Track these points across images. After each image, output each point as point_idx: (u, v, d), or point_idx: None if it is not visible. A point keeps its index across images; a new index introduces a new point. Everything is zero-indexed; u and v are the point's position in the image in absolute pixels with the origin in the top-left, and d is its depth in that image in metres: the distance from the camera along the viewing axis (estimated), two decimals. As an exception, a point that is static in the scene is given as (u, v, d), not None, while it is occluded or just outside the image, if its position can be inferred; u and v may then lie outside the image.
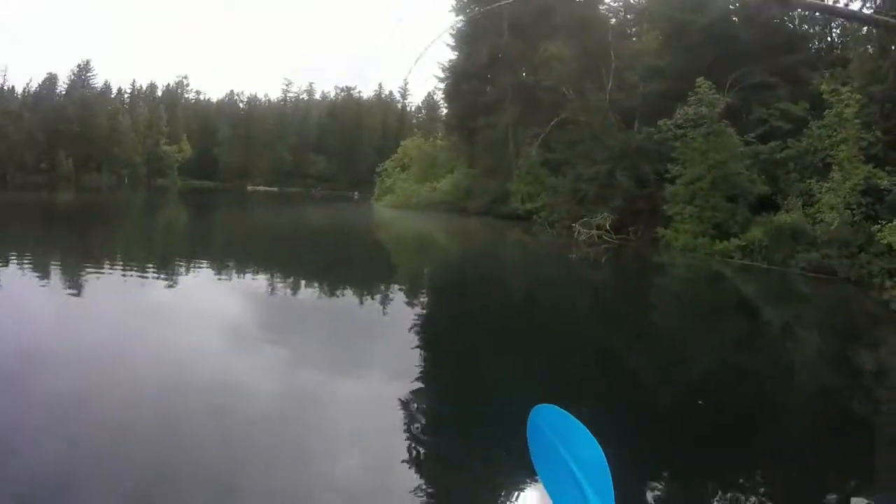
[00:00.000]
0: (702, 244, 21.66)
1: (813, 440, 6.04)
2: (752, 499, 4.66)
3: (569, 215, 28.46)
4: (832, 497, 4.99)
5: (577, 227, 26.73)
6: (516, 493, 4.12)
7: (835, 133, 19.12)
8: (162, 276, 13.18)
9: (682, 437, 5.79)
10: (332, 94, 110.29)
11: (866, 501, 4.95)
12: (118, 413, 5.20)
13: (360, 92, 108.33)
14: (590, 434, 1.56)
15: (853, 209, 17.22)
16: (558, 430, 1.62)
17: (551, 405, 1.65)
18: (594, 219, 26.41)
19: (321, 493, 4.27)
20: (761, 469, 5.16)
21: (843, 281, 16.51)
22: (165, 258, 16.21)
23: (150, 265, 14.48)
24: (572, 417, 1.62)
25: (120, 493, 3.93)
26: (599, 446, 1.50)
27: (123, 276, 12.80)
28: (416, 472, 4.59)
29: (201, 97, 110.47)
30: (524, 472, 4.09)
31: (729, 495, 4.76)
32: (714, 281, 18.95)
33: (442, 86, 46.58)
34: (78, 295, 10.37)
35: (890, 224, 14.91)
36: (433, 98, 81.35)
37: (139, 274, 13.12)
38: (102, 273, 12.87)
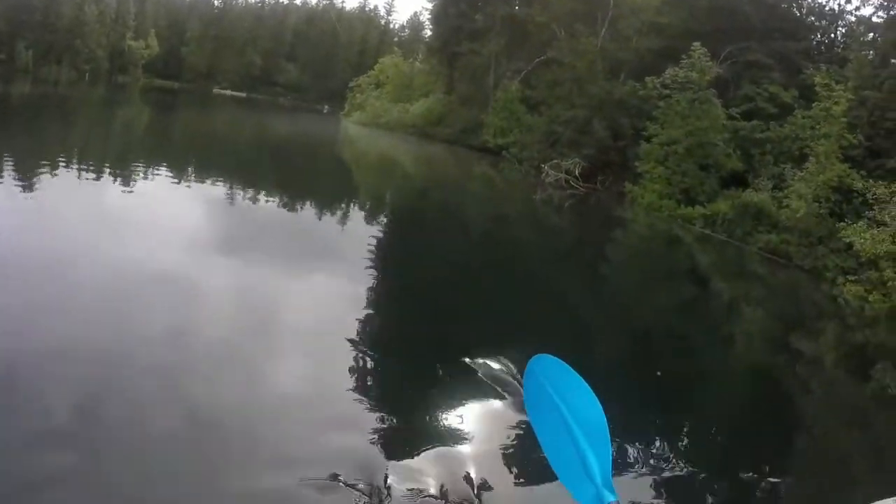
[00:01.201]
0: (667, 206, 21.40)
1: (739, 410, 6.13)
2: (684, 459, 4.55)
3: (539, 156, 27.77)
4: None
5: (546, 168, 26.07)
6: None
7: (818, 126, 18.82)
8: (118, 179, 12.15)
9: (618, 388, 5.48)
10: (313, 2, 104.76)
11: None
12: (64, 320, 4.93)
13: (342, 2, 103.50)
14: (590, 389, 1.45)
15: (821, 202, 17.07)
16: (556, 383, 1.54)
17: (550, 356, 1.50)
18: (564, 163, 25.76)
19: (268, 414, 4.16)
20: (693, 429, 5.17)
21: (796, 268, 16.52)
22: (122, 160, 14.97)
23: (106, 167, 13.32)
24: (572, 370, 1.52)
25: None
26: (599, 402, 1.38)
27: (78, 177, 11.67)
28: (361, 399, 4.48)
29: None
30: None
31: (655, 450, 4.66)
32: (672, 244, 18.87)
33: (430, 6, 44.48)
34: (28, 197, 9.31)
35: (855, 224, 14.77)
36: (419, 18, 78.25)
37: (94, 177, 12.03)
38: (55, 174, 11.54)
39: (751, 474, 4.65)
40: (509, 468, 3.93)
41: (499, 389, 4.80)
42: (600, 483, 1.35)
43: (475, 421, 4.37)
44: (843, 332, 11.77)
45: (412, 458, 3.87)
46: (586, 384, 1.49)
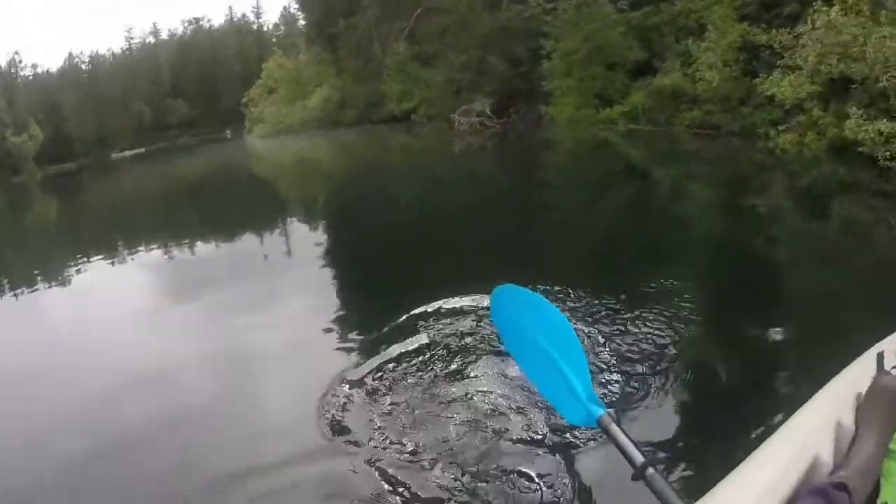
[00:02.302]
0: (585, 115, 21.04)
1: (712, 286, 5.80)
2: (667, 350, 4.06)
3: (447, 108, 27.10)
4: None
5: (455, 117, 25.42)
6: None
7: None
8: (55, 274, 11.29)
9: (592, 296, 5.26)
10: (180, 30, 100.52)
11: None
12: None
13: (209, 21, 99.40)
14: (554, 307, 1.48)
15: (731, 66, 16.86)
16: (521, 306, 1.60)
17: (511, 285, 1.58)
18: (472, 106, 25.16)
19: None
20: (670, 318, 4.58)
21: (727, 135, 16.37)
22: (48, 258, 13.69)
23: (36, 271, 12.03)
24: (533, 293, 1.65)
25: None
26: (563, 315, 1.43)
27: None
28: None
29: (39, 70, 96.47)
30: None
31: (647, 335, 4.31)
32: (601, 149, 18.49)
33: (296, -4, 42.93)
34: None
35: (771, 77, 14.56)
36: (289, 11, 75.82)
37: (24, 285, 10.91)
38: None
39: (743, 345, 4.28)
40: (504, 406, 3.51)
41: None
42: (585, 399, 1.39)
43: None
44: (790, 180, 11.56)
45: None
46: (549, 304, 1.50)
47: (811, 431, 1.22)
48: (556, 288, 5.34)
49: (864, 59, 11.08)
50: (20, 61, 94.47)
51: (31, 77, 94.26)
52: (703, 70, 17.48)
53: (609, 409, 1.34)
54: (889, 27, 10.37)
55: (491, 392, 3.57)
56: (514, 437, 3.17)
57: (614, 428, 1.39)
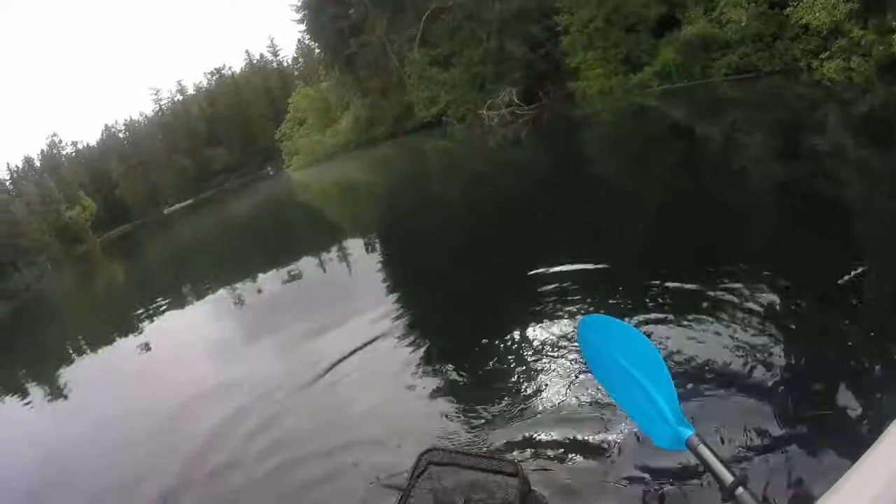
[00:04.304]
0: (617, 83, 20.61)
1: (789, 251, 5.21)
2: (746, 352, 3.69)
3: (474, 105, 26.87)
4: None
5: (484, 113, 25.19)
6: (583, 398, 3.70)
7: None
8: (131, 329, 11.72)
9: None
10: (205, 83, 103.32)
11: None
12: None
13: (230, 68, 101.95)
14: (640, 334, 1.51)
15: (756, 1, 16.18)
16: (609, 337, 1.61)
17: (597, 315, 1.62)
18: (498, 100, 24.87)
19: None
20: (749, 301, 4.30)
21: (768, 75, 15.77)
22: (122, 318, 14.11)
23: (113, 331, 12.67)
24: (619, 322, 1.61)
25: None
26: (652, 345, 1.44)
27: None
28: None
29: (80, 146, 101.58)
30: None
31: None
32: (641, 115, 17.93)
33: (303, 26, 43.32)
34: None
35: (801, 3, 13.89)
36: (304, 43, 76.71)
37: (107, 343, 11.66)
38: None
39: (838, 339, 3.67)
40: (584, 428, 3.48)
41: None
42: (673, 422, 1.41)
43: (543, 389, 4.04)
44: (845, 111, 10.95)
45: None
46: (635, 330, 1.52)
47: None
48: (633, 281, 5.14)
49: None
50: (60, 141, 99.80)
51: (73, 153, 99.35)
52: (728, 11, 16.87)
53: (697, 432, 1.37)
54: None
55: (583, 417, 3.53)
56: (606, 459, 3.14)
57: (703, 448, 1.40)
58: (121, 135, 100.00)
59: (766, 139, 10.70)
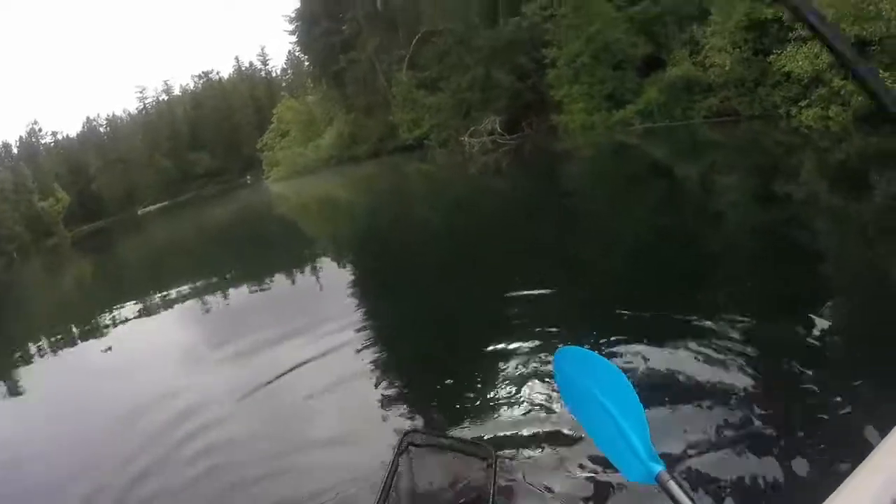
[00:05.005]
0: (599, 119, 20.73)
1: (762, 290, 5.38)
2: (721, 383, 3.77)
3: (457, 130, 26.93)
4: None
5: (465, 140, 25.23)
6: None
7: None
8: (95, 330, 11.64)
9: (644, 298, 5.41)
10: (192, 85, 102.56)
11: None
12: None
13: (218, 73, 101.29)
14: (615, 368, 1.51)
15: (741, 47, 16.42)
16: (583, 370, 1.60)
17: (573, 347, 1.58)
18: (481, 127, 24.93)
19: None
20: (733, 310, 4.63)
21: (748, 119, 15.95)
22: (89, 315, 13.81)
23: (75, 328, 12.55)
24: (595, 355, 1.59)
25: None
26: (627, 379, 1.41)
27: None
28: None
29: (59, 137, 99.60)
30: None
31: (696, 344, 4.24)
32: (621, 152, 18.07)
33: (294, 38, 43.37)
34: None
35: (784, 52, 14.13)
36: (294, 54, 76.70)
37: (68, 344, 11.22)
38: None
39: (810, 373, 3.72)
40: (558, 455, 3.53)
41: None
42: (645, 457, 1.42)
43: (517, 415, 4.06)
44: (821, 158, 11.06)
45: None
46: (611, 364, 1.54)
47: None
48: (606, 315, 5.15)
49: (879, 18, 10.63)
50: (40, 129, 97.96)
51: (52, 144, 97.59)
52: (712, 55, 17.10)
53: (666, 468, 1.34)
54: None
55: (552, 447, 3.52)
56: (574, 495, 3.10)
57: (672, 485, 1.37)
58: (102, 129, 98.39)
59: (743, 182, 10.81)
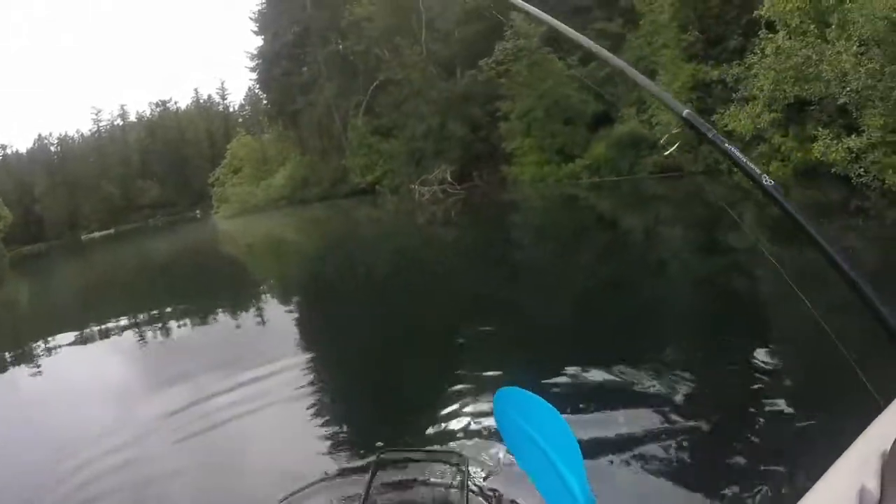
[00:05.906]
0: (549, 172, 20.99)
1: (702, 333, 5.63)
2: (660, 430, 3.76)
3: (409, 178, 26.95)
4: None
5: (415, 188, 25.19)
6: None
7: (654, 40, 19.13)
8: (25, 357, 10.71)
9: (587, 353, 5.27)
10: (148, 112, 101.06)
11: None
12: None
13: (176, 103, 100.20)
14: (554, 410, 1.45)
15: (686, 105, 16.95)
16: (523, 411, 1.59)
17: (513, 388, 1.54)
18: (432, 176, 24.97)
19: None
20: (660, 385, 4.40)
21: (691, 175, 16.26)
22: (19, 341, 12.92)
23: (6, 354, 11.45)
24: (535, 396, 1.54)
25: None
26: (564, 421, 1.41)
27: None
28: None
29: (9, 151, 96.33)
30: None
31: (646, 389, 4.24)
32: (569, 204, 18.23)
33: (255, 75, 43.25)
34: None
35: (728, 112, 14.60)
36: (254, 91, 76.33)
37: None
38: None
39: (748, 412, 3.83)
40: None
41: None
42: (581, 499, 1.40)
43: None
44: (761, 210, 11.21)
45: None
46: (549, 406, 1.51)
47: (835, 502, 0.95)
48: (544, 362, 5.06)
49: (818, 79, 10.96)
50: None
51: (0, 157, 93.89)
52: (658, 114, 17.54)
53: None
54: (841, 42, 10.22)
55: (492, 488, 3.47)
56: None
57: None
58: (52, 148, 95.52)
59: (686, 233, 11.05)
